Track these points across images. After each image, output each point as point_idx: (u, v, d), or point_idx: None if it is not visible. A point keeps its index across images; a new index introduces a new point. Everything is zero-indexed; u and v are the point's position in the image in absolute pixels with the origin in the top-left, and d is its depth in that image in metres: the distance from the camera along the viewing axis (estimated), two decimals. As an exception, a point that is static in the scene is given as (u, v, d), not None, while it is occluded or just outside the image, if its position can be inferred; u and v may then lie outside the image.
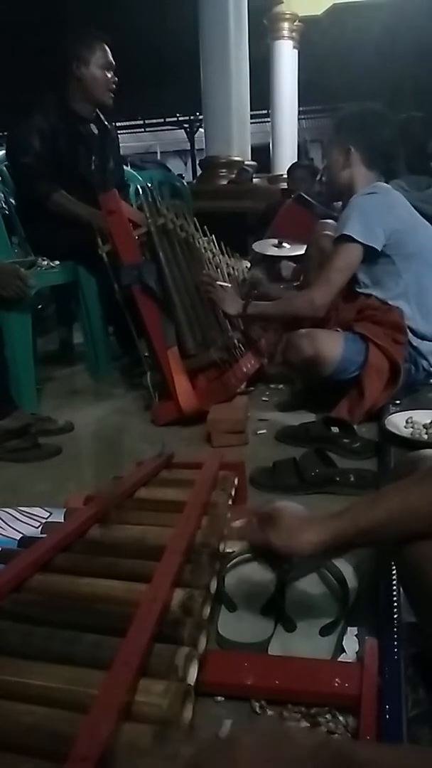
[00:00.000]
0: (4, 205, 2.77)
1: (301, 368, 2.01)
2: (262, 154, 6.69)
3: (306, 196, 3.53)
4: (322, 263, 2.07)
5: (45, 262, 2.44)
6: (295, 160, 6.39)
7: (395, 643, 0.85)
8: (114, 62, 2.57)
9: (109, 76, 2.56)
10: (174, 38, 6.54)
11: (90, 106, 2.61)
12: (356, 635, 0.95)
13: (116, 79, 2.58)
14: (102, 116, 2.70)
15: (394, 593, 0.94)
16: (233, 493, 1.23)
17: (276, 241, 3.41)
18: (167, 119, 15.28)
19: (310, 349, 1.89)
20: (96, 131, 2.68)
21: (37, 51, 6.25)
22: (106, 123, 2.72)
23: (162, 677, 0.67)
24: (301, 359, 1.92)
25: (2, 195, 2.79)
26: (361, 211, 1.92)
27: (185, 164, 17.05)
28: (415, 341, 1.95)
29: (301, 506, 0.87)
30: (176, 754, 0.45)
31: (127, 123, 14.59)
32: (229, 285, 2.30)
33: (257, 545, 0.89)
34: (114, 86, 2.58)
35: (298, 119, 7.88)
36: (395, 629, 0.88)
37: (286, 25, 7.07)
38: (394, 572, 0.97)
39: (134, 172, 3.51)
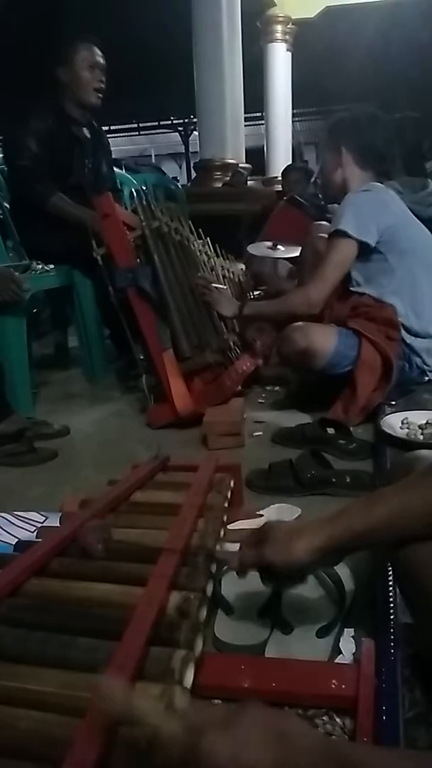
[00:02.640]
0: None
1: (295, 361, 2.00)
2: (257, 156, 6.70)
3: (299, 198, 3.53)
4: (317, 265, 2.07)
5: (40, 266, 2.45)
6: (290, 162, 6.42)
7: (392, 644, 0.85)
8: (102, 63, 2.53)
9: (94, 76, 2.52)
10: (168, 41, 6.56)
11: (80, 109, 2.59)
12: (353, 637, 0.95)
13: (103, 79, 2.54)
14: (94, 121, 2.70)
15: (391, 595, 0.94)
16: (229, 495, 1.23)
17: (270, 243, 3.42)
18: (162, 122, 15.31)
19: (303, 341, 1.89)
20: (89, 135, 2.67)
21: (33, 55, 6.25)
22: (97, 128, 2.71)
23: (158, 680, 0.66)
24: (295, 351, 1.92)
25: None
26: (355, 206, 1.93)
27: (180, 167, 17.06)
28: (409, 338, 1.96)
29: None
30: (185, 718, 0.45)
31: (122, 126, 14.61)
32: (225, 287, 2.30)
33: (254, 566, 0.86)
34: (101, 87, 2.54)
35: (292, 122, 7.91)
36: (392, 631, 0.87)
37: (279, 27, 7.11)
38: (390, 574, 0.97)
39: (129, 176, 3.51)
